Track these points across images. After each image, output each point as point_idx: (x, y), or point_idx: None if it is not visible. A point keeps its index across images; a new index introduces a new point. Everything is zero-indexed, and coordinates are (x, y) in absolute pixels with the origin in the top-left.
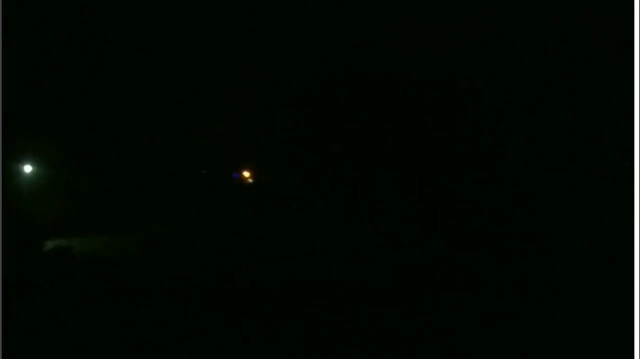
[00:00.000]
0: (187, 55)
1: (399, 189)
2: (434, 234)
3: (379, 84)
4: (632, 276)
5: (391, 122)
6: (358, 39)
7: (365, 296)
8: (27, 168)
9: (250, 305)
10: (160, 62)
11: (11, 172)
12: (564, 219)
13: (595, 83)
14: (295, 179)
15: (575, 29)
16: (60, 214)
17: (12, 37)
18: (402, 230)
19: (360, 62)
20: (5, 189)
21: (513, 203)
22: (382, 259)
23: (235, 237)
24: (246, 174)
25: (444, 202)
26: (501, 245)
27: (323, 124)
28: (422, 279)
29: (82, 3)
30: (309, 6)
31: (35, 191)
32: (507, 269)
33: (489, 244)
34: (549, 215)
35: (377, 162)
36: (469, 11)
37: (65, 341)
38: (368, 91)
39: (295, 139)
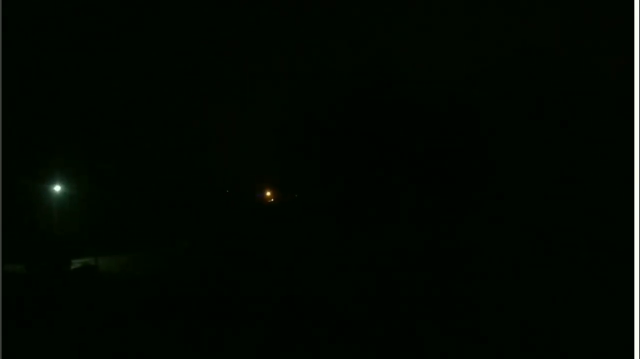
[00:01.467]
0: (208, 74)
1: (422, 203)
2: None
3: (395, 100)
4: (632, 276)
5: (411, 138)
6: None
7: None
8: (56, 188)
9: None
10: (181, 82)
11: (41, 193)
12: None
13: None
14: (318, 199)
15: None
16: (87, 233)
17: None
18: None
19: (375, 76)
20: (36, 208)
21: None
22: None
23: (257, 255)
24: (268, 193)
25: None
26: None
27: (345, 143)
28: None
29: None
30: (326, 23)
31: (64, 211)
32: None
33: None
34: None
35: (398, 177)
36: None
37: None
38: (386, 106)
39: (318, 157)
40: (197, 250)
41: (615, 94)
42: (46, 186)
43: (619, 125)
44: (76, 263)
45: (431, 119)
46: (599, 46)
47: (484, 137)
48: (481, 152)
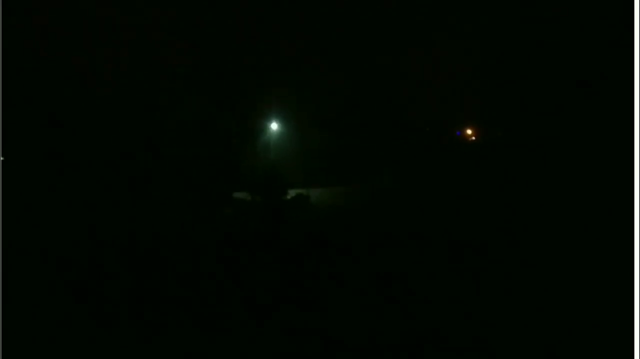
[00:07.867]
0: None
1: None
2: None
3: None
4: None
5: None
6: None
7: None
8: (274, 126)
9: None
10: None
11: (262, 129)
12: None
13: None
14: (523, 139)
15: None
16: (300, 167)
17: None
18: None
19: None
20: (257, 144)
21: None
22: None
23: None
24: (469, 131)
25: None
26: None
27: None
28: None
29: None
30: None
31: (281, 146)
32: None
33: None
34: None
35: None
36: None
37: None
38: None
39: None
40: (398, 186)
41: None
42: (267, 123)
43: None
44: (291, 193)
45: None
46: None
47: None
48: None
